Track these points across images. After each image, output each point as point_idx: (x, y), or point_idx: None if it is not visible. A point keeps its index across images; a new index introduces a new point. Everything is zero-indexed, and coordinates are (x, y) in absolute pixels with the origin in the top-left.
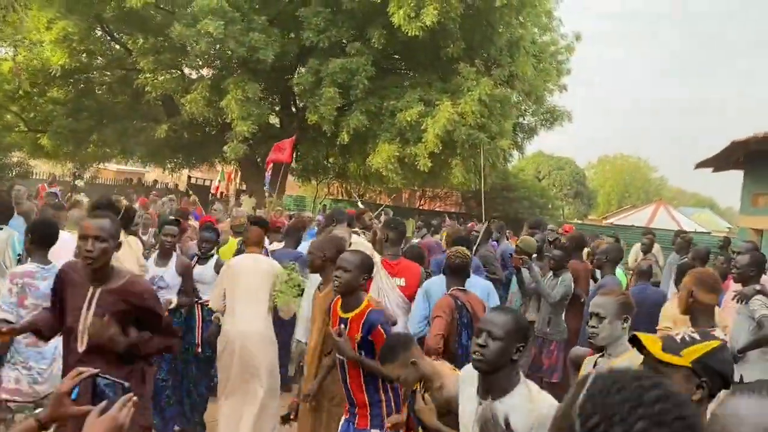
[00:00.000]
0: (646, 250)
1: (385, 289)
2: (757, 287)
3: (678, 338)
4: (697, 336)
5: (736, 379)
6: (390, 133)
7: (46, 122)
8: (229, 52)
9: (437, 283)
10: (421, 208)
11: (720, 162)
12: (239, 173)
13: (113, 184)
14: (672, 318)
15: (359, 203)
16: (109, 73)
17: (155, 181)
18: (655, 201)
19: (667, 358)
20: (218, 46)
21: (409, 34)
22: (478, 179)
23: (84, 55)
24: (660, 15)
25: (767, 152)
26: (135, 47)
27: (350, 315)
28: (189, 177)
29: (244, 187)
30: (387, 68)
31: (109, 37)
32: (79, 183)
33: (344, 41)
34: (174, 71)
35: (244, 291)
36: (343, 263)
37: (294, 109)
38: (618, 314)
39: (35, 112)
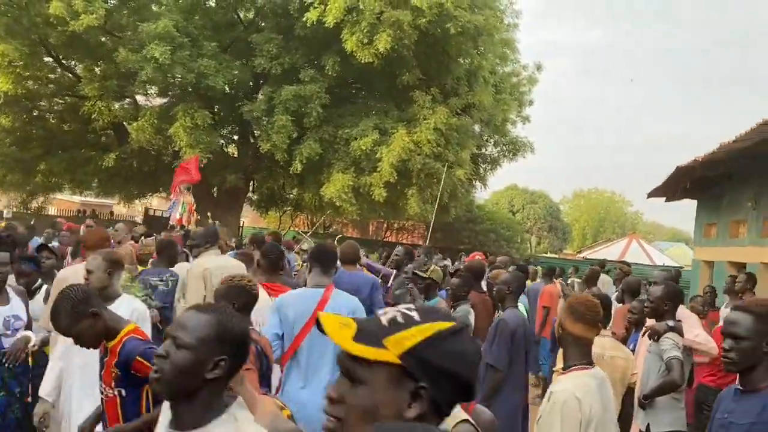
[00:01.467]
0: (588, 281)
1: (262, 310)
2: (670, 323)
3: (385, 319)
4: (416, 314)
5: (641, 427)
6: (344, 162)
7: None
8: (177, 79)
9: (294, 304)
10: (385, 239)
11: (670, 190)
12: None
13: (58, 215)
14: None
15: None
16: (58, 99)
17: (93, 211)
18: (628, 235)
19: (360, 350)
20: (165, 72)
21: (363, 61)
22: (435, 210)
23: (30, 81)
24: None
25: (716, 180)
26: (84, 73)
27: (112, 343)
28: (146, 208)
29: (198, 217)
30: (342, 96)
31: (55, 63)
32: (7, 214)
33: (298, 68)
34: (123, 99)
35: None
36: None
37: (252, 138)
38: None
39: None
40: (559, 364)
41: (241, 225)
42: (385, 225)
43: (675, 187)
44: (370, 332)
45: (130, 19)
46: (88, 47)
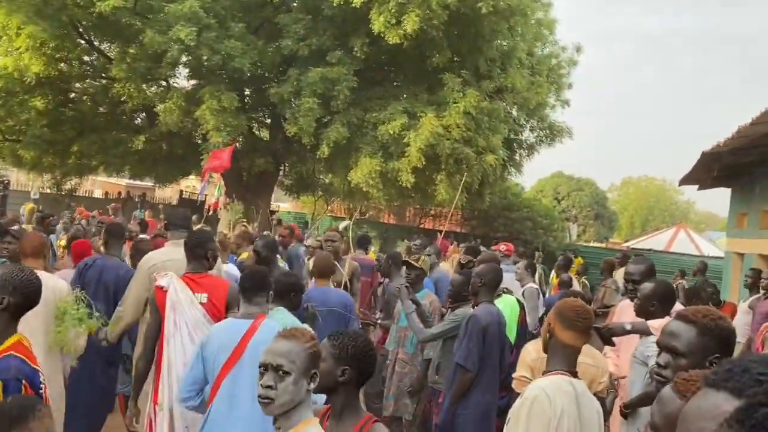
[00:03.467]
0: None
1: (180, 303)
2: (627, 326)
3: None
4: None
5: None
6: (372, 147)
7: (22, 132)
8: (204, 61)
9: (219, 337)
10: (421, 227)
11: (700, 178)
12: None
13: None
14: (532, 365)
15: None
16: (91, 81)
17: (143, 194)
18: (676, 224)
19: None
20: (191, 54)
21: (391, 42)
22: (466, 196)
23: (63, 63)
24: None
25: (747, 166)
26: (114, 55)
27: None
28: (181, 192)
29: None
30: (371, 79)
31: (87, 45)
32: (34, 195)
33: (326, 50)
34: (153, 81)
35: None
36: None
37: (282, 122)
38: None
39: (12, 121)
40: (521, 371)
41: (277, 209)
42: (422, 211)
43: (705, 174)
44: None
45: (159, 1)
46: (118, 28)
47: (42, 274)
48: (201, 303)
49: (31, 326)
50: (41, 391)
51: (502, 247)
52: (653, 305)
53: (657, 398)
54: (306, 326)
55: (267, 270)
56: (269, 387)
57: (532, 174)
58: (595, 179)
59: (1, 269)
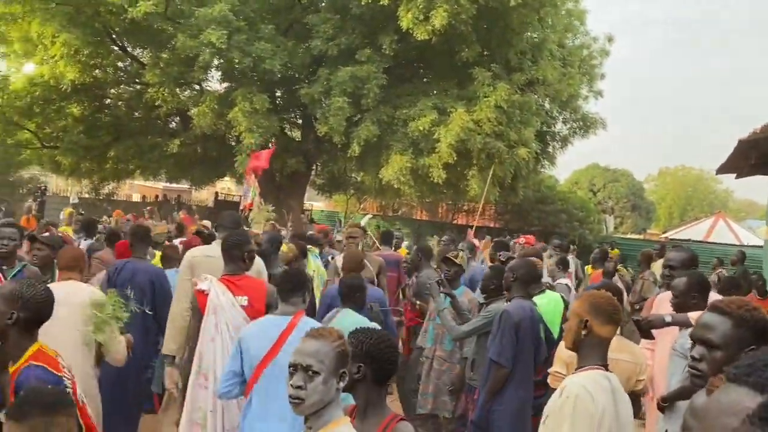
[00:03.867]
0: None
1: (222, 307)
2: (667, 318)
3: None
4: None
5: None
6: (402, 144)
7: (59, 138)
8: (235, 64)
9: (257, 335)
10: (454, 222)
11: (737, 166)
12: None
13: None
14: (567, 360)
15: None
16: (125, 87)
17: (178, 196)
18: (715, 213)
19: None
20: (222, 57)
21: (419, 38)
22: (498, 191)
23: (97, 70)
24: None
25: None
26: (148, 61)
27: (12, 369)
28: (216, 194)
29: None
30: (400, 75)
31: (121, 51)
32: (73, 200)
33: (355, 48)
34: (186, 85)
35: (55, 330)
36: None
37: (312, 122)
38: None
39: (50, 128)
40: (556, 367)
41: (310, 209)
42: (455, 207)
43: (743, 162)
44: None
45: (189, 5)
46: (150, 34)
47: (78, 285)
48: (242, 305)
49: (65, 338)
50: (73, 396)
51: (522, 240)
52: (694, 297)
53: (689, 407)
54: (376, 325)
55: (303, 270)
56: (299, 387)
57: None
58: (632, 170)
59: (11, 284)
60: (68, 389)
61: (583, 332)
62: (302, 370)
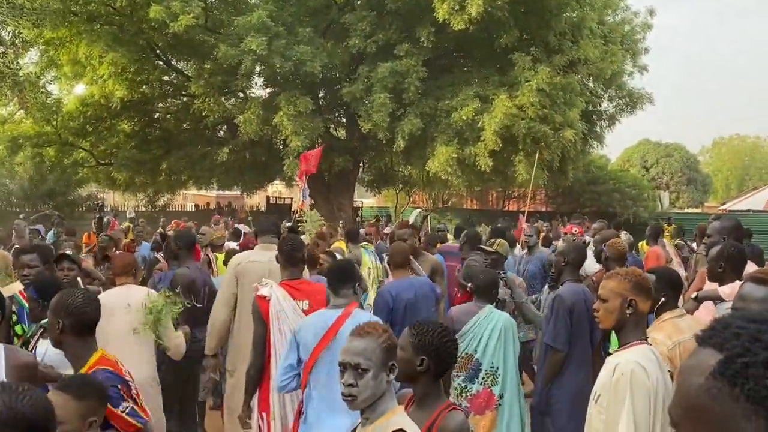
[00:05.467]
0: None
1: (284, 312)
2: (693, 296)
3: None
4: None
5: None
6: (447, 135)
7: (113, 155)
8: (277, 69)
9: (313, 324)
10: (505, 209)
11: None
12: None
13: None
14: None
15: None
16: (173, 100)
17: (228, 203)
18: None
19: None
20: (263, 63)
21: (456, 28)
22: (547, 175)
23: (145, 86)
24: None
25: None
26: (192, 73)
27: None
28: (267, 198)
29: (313, 202)
30: (440, 67)
31: (165, 66)
32: (130, 214)
33: (393, 44)
34: (230, 93)
35: (116, 334)
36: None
37: (357, 119)
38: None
39: (103, 145)
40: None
41: (360, 206)
42: (504, 194)
43: None
44: None
45: (228, 15)
46: (192, 46)
47: (134, 288)
48: (303, 310)
49: (125, 339)
50: (136, 397)
51: (574, 229)
52: (721, 267)
53: None
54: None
55: (353, 263)
56: (351, 385)
57: (618, 145)
58: (684, 143)
59: (56, 297)
60: (136, 392)
61: (629, 311)
62: (351, 368)
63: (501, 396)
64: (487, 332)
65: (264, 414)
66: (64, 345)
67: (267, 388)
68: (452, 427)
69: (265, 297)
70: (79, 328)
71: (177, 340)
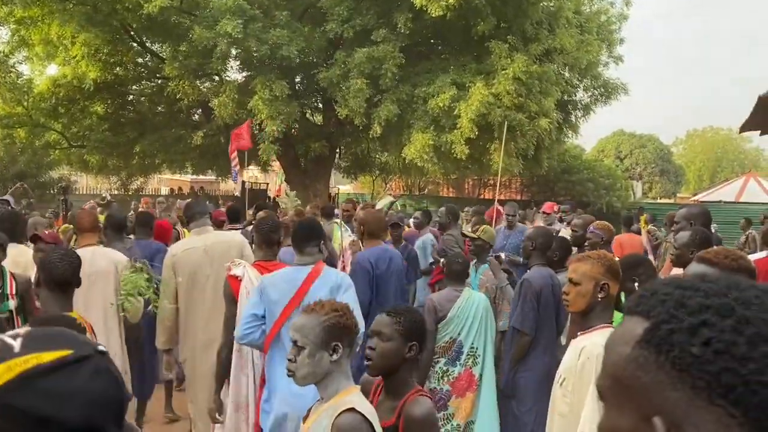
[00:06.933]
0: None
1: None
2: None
3: None
4: (18, 343)
5: None
6: (423, 122)
7: (85, 137)
8: (253, 52)
9: (278, 283)
10: (481, 197)
11: (760, 123)
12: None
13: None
14: None
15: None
16: (147, 82)
17: (201, 188)
18: (745, 174)
19: None
20: (238, 46)
21: (434, 15)
22: (521, 163)
23: (118, 68)
24: None
25: None
26: (167, 55)
27: None
28: (243, 182)
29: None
30: (417, 53)
31: (140, 47)
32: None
33: (370, 29)
34: (205, 76)
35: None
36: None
37: (333, 104)
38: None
39: (76, 127)
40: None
41: (337, 192)
42: (480, 182)
43: (766, 118)
44: None
45: None
46: (167, 28)
47: (98, 249)
48: None
49: (89, 297)
50: None
51: (555, 208)
52: (692, 252)
53: None
54: None
55: (317, 220)
56: (290, 360)
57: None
58: (658, 134)
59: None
60: None
61: (601, 294)
62: (293, 343)
63: (480, 377)
64: (471, 315)
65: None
66: (41, 298)
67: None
68: (418, 413)
69: (237, 276)
70: (50, 283)
71: (138, 305)
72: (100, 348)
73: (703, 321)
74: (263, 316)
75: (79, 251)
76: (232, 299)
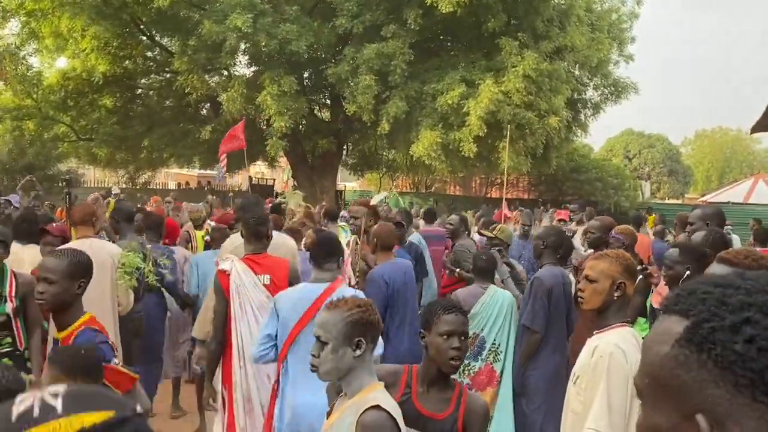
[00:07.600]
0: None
1: (244, 286)
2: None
3: (16, 411)
4: (60, 403)
5: None
6: (432, 119)
7: (94, 130)
8: (262, 47)
9: (293, 298)
10: (488, 196)
11: None
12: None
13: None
14: None
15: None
16: (156, 76)
17: (208, 182)
18: (754, 175)
19: None
20: (248, 41)
21: (444, 11)
22: (530, 162)
23: (127, 61)
24: None
25: None
26: (176, 49)
27: (63, 335)
28: (250, 177)
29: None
30: (427, 50)
31: (149, 41)
32: (115, 190)
33: (380, 25)
34: (214, 71)
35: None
36: (45, 273)
37: (341, 101)
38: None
39: (84, 120)
40: None
41: (344, 189)
42: (488, 181)
43: None
44: None
45: None
46: (176, 22)
47: (94, 241)
48: (264, 284)
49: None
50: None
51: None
52: (689, 268)
53: None
54: None
55: (336, 237)
56: (313, 356)
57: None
58: (667, 134)
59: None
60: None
61: (617, 293)
62: (317, 339)
63: (501, 373)
64: (495, 311)
65: (227, 385)
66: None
67: (229, 362)
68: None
69: (225, 271)
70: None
71: (129, 283)
72: (138, 409)
73: (746, 318)
74: (276, 334)
75: (75, 243)
76: (221, 294)
